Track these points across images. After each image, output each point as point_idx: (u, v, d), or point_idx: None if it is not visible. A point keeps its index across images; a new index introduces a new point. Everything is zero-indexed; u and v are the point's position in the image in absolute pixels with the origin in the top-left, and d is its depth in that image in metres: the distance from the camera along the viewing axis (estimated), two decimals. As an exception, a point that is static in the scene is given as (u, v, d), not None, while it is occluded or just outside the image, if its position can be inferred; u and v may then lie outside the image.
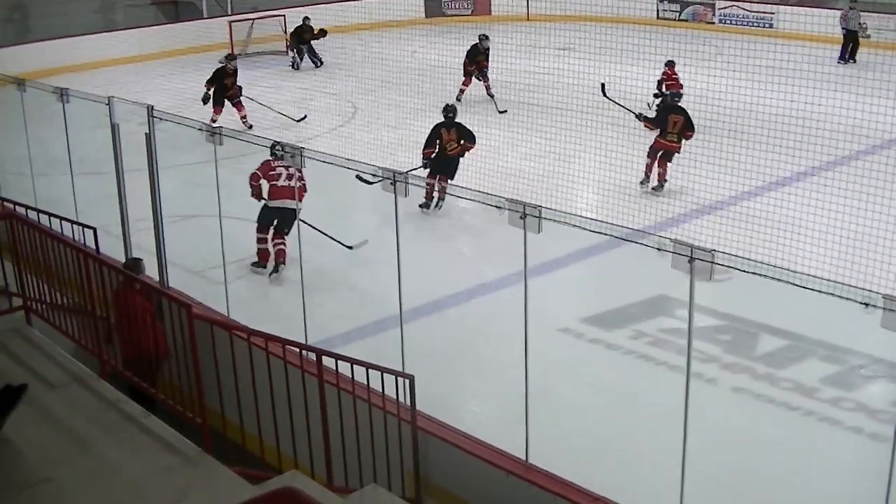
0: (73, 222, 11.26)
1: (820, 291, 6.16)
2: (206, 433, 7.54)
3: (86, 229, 11.16)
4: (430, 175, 15.62)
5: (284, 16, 32.35)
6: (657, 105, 21.09)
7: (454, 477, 8.53)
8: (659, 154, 17.15)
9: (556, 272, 13.15)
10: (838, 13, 30.14)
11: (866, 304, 5.88)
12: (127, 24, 33.38)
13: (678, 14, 35.35)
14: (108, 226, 11.96)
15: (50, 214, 11.35)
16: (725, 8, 34.21)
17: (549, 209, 7.58)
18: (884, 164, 15.41)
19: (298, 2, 33.24)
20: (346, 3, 34.90)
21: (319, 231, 13.03)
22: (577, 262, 13.59)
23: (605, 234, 7.67)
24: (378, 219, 9.94)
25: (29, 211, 11.60)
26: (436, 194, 15.58)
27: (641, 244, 7.12)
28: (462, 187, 8.66)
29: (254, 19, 32.55)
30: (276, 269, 13.59)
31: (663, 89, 22.06)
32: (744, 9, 33.81)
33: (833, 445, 9.86)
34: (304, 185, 13.26)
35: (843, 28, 29.35)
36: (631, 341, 11.82)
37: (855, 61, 28.76)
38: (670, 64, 22.67)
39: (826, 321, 10.95)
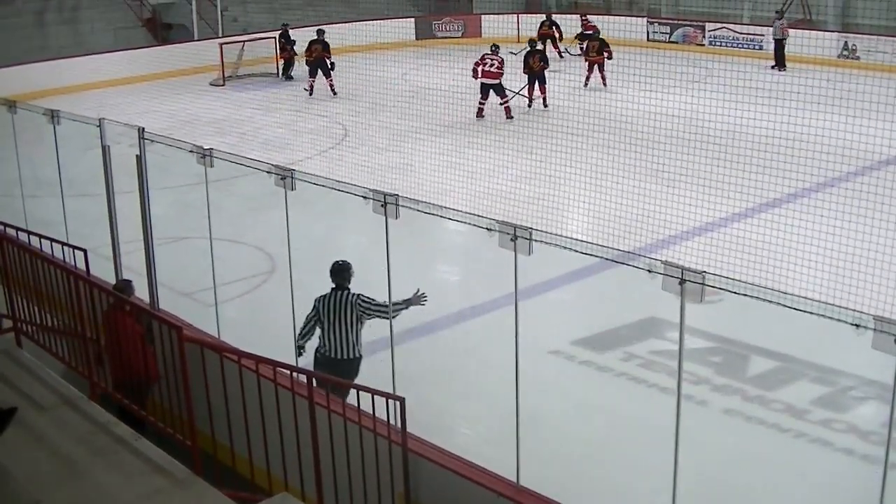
0: (63, 244, 11.23)
1: (811, 313, 6.16)
2: (197, 456, 7.51)
3: (76, 251, 11.13)
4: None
5: (275, 38, 32.43)
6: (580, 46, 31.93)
7: (444, 499, 8.50)
8: (591, 66, 28.50)
9: (547, 294, 13.16)
10: (829, 35, 30.50)
11: (857, 326, 5.88)
12: (118, 46, 33.41)
13: (668, 36, 35.49)
14: (99, 247, 11.94)
15: (40, 236, 11.32)
16: (715, 30, 34.34)
17: (540, 231, 7.58)
18: (874, 185, 15.48)
19: (290, 24, 33.31)
20: (337, 24, 34.99)
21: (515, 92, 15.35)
22: (568, 285, 13.60)
23: (596, 256, 7.67)
24: (368, 240, 9.95)
25: (19, 232, 11.57)
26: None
27: (632, 266, 7.12)
28: (452, 209, 8.64)
29: (244, 41, 32.60)
30: (509, 116, 24.24)
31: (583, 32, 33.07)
32: (733, 31, 33.96)
33: (825, 467, 9.85)
34: (501, 70, 24.25)
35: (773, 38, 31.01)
36: (622, 363, 11.82)
37: (784, 68, 30.20)
38: (584, 16, 34.92)
39: (817, 343, 11.00)
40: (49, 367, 8.98)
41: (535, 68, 25.99)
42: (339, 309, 10.08)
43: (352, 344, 10.11)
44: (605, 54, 28.34)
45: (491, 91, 24.76)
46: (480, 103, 24.88)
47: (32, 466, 7.27)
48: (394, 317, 9.61)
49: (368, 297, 10.04)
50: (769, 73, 28.51)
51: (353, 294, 10.13)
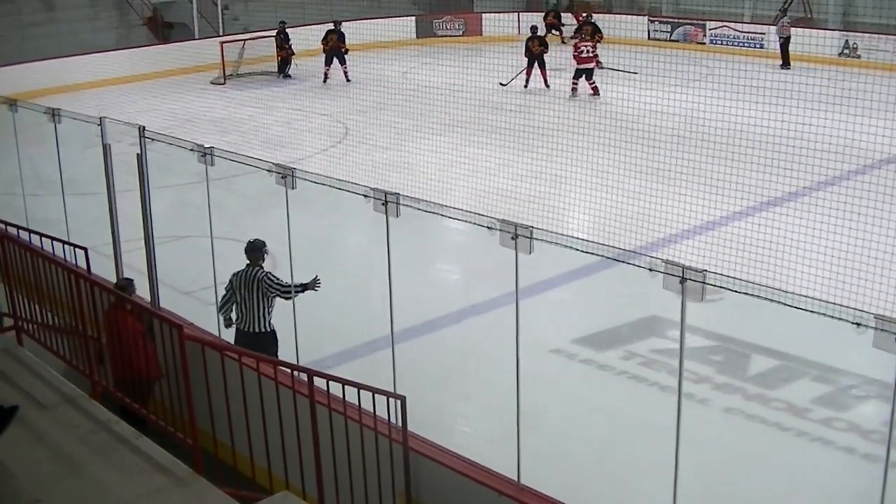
0: (64, 242, 11.24)
1: (812, 311, 6.16)
2: (198, 454, 7.51)
3: (77, 249, 11.14)
4: None
5: (276, 35, 32.42)
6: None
7: (445, 498, 8.51)
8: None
9: (548, 293, 13.15)
10: (831, 33, 30.54)
11: (858, 325, 5.88)
12: (119, 45, 33.40)
13: (669, 34, 35.47)
14: (100, 246, 11.94)
15: (41, 235, 11.32)
16: (716, 28, 34.32)
17: (541, 230, 7.58)
18: (875, 183, 15.47)
19: (290, 22, 33.31)
20: (338, 23, 35.01)
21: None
22: (569, 283, 13.60)
23: (597, 255, 7.67)
24: (369, 240, 9.96)
25: (20, 231, 11.57)
26: None
27: (633, 265, 7.12)
28: (453, 208, 8.64)
29: (245, 40, 32.58)
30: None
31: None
32: (735, 29, 33.94)
33: (826, 466, 9.86)
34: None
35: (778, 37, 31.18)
36: (622, 362, 11.82)
37: (789, 66, 30.26)
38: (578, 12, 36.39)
39: (818, 341, 10.99)
40: (50, 365, 8.99)
41: (535, 51, 28.13)
42: (250, 284, 10.72)
43: (260, 318, 10.73)
44: (598, 37, 29.78)
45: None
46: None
47: (33, 465, 7.28)
48: (292, 297, 10.55)
49: (274, 277, 10.74)
50: (775, 72, 28.47)
51: (263, 272, 10.78)
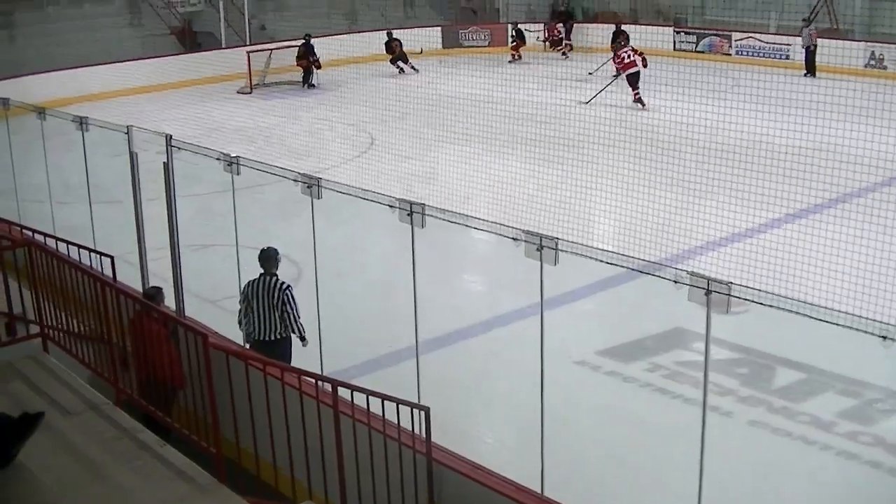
0: (90, 250, 11.30)
1: (837, 324, 6.13)
2: (221, 462, 7.53)
3: (103, 257, 11.19)
4: None
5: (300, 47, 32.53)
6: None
7: (469, 509, 8.49)
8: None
9: (573, 304, 13.13)
10: (856, 45, 30.45)
11: (884, 338, 5.85)
12: (146, 54, 33.59)
13: (695, 45, 35.40)
14: (126, 254, 12.00)
15: (68, 242, 11.38)
16: (742, 39, 34.23)
17: (566, 241, 7.57)
18: (901, 196, 15.39)
19: (316, 32, 33.43)
20: (364, 33, 35.17)
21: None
22: (594, 294, 13.58)
23: (622, 267, 7.66)
24: (395, 249, 9.97)
25: (47, 238, 11.63)
26: None
27: (658, 276, 7.11)
28: (479, 218, 8.64)
29: (272, 49, 32.71)
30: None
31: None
32: (760, 40, 33.84)
33: (851, 479, 9.79)
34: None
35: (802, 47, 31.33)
36: (647, 374, 11.78)
37: (815, 75, 30.22)
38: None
39: (843, 354, 10.93)
40: (75, 372, 9.02)
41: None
42: (265, 293, 10.69)
43: (273, 325, 10.73)
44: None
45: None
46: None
47: (57, 471, 7.30)
48: (292, 330, 10.71)
49: (293, 300, 10.70)
50: (801, 83, 28.40)
51: (283, 283, 10.77)
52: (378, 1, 40.51)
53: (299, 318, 10.67)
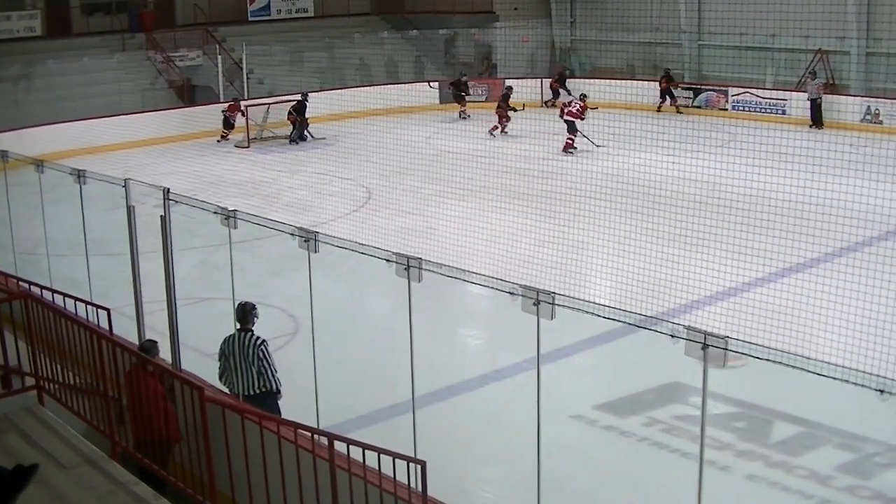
0: (87, 303, 11.29)
1: (834, 378, 6.13)
2: (217, 517, 7.50)
3: (100, 310, 11.18)
4: None
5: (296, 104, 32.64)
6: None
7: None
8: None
9: (570, 358, 13.12)
10: (853, 99, 30.76)
11: (881, 391, 5.85)
12: (145, 108, 33.73)
13: (691, 101, 35.57)
14: (123, 307, 11.98)
15: (65, 295, 11.38)
16: (739, 94, 34.41)
17: (563, 295, 7.58)
18: (897, 250, 15.41)
19: (313, 87, 33.60)
20: (361, 88, 35.32)
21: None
22: (591, 349, 13.56)
23: (619, 321, 7.66)
24: (391, 304, 9.96)
25: (44, 291, 11.63)
26: None
27: (654, 331, 7.11)
28: (475, 273, 8.66)
29: (269, 104, 32.84)
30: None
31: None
32: (757, 95, 34.01)
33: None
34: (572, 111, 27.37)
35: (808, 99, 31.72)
36: (644, 428, 11.75)
37: (821, 127, 30.65)
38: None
39: (841, 408, 10.92)
40: (71, 425, 9.00)
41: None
42: (240, 349, 10.72)
43: (252, 381, 10.70)
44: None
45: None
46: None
47: (52, 526, 7.27)
48: (269, 386, 10.68)
49: (269, 358, 10.73)
50: (797, 138, 28.59)
51: (258, 338, 10.76)
52: (379, 57, 40.71)
53: (276, 372, 10.70)
